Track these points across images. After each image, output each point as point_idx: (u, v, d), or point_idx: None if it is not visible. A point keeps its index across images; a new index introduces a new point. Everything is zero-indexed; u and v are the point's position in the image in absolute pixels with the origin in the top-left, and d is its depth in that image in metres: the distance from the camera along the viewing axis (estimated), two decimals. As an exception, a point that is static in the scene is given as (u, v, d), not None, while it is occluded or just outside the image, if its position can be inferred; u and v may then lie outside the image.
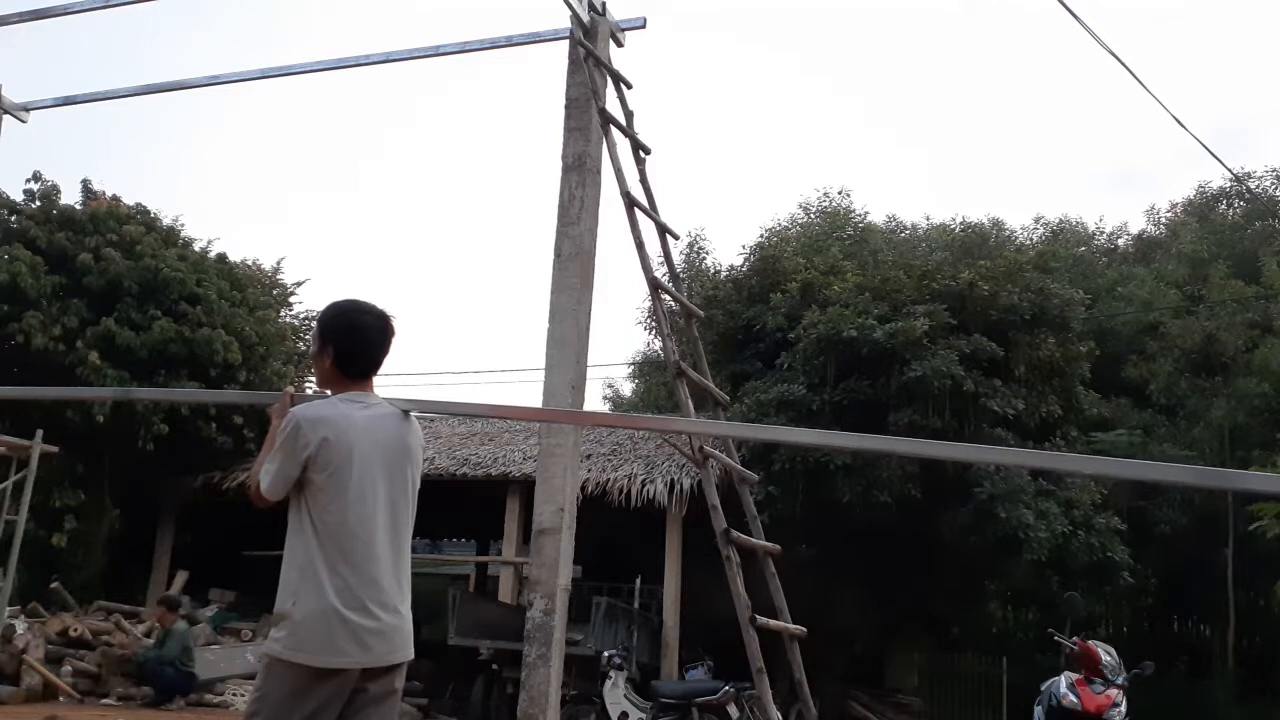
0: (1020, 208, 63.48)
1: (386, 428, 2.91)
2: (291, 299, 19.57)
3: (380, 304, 3.07)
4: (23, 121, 7.02)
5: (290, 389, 3.30)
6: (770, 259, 15.48)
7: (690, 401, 5.01)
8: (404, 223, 56.29)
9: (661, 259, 5.73)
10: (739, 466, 5.14)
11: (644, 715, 9.56)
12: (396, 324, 3.08)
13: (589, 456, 13.18)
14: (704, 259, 19.72)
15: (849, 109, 59.50)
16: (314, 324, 3.19)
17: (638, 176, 5.60)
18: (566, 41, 5.58)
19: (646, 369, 24.88)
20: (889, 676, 14.80)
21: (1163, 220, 24.13)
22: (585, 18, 5.54)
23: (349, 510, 2.76)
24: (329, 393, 3.03)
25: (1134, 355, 17.36)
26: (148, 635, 11.19)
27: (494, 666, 10.79)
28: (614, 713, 9.80)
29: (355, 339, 2.98)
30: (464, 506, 14.87)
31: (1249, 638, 17.03)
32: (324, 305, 3.07)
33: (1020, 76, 55.07)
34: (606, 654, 10.14)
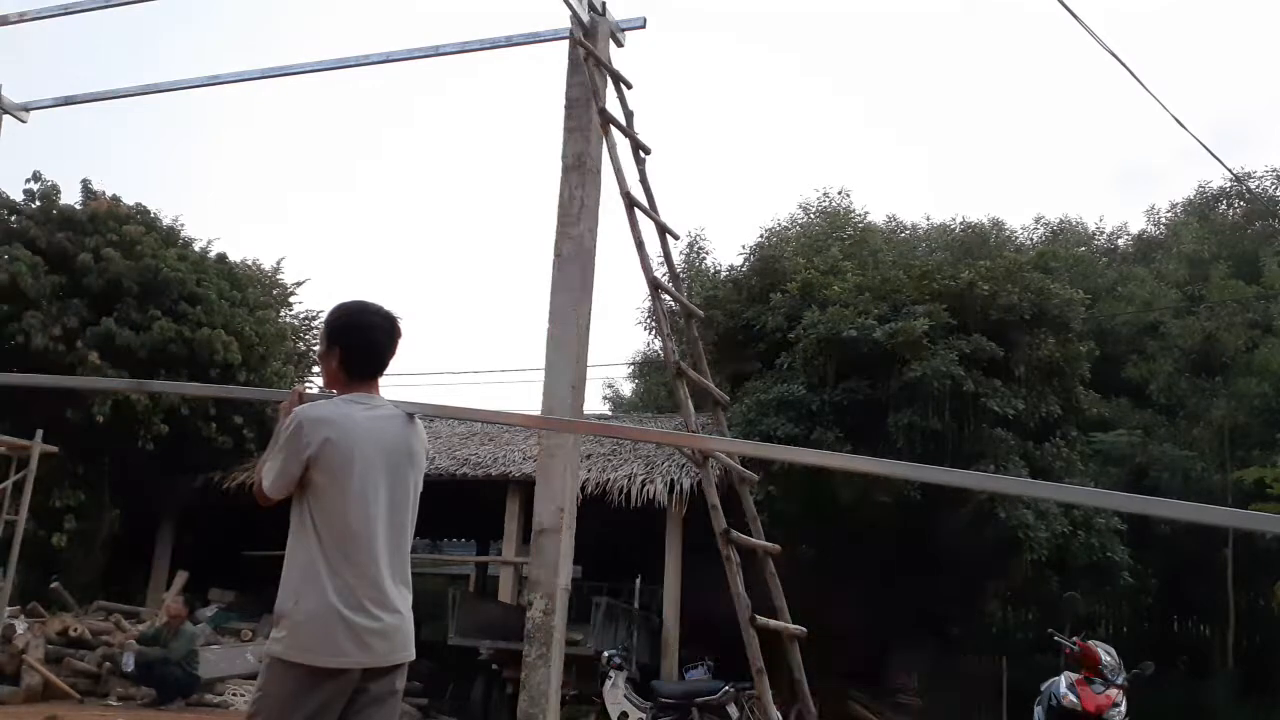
0: (1020, 208, 63.55)
1: (390, 429, 2.92)
2: (291, 299, 19.55)
3: (386, 305, 3.08)
4: (23, 121, 7.01)
5: (299, 387, 3.31)
6: (770, 259, 15.47)
7: (690, 401, 5.00)
8: (404, 223, 56.33)
9: (661, 259, 5.72)
10: (739, 466, 5.13)
11: (644, 715, 9.57)
12: (403, 326, 3.09)
13: (589, 456, 13.18)
14: (704, 259, 19.71)
15: (849, 109, 59.56)
16: (322, 324, 3.20)
17: (638, 176, 5.59)
18: (566, 41, 5.57)
19: (646, 369, 24.91)
20: (889, 676, 14.79)
21: (1163, 220, 24.15)
22: (585, 18, 5.54)
23: (350, 511, 2.76)
24: (334, 392, 3.04)
25: (1134, 355, 17.36)
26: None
27: (494, 666, 10.80)
28: (614, 713, 9.81)
29: (362, 340, 2.99)
30: (464, 506, 14.87)
31: (1249, 638, 17.03)
32: (332, 306, 3.08)
33: (1020, 76, 55.13)
34: (606, 654, 10.15)
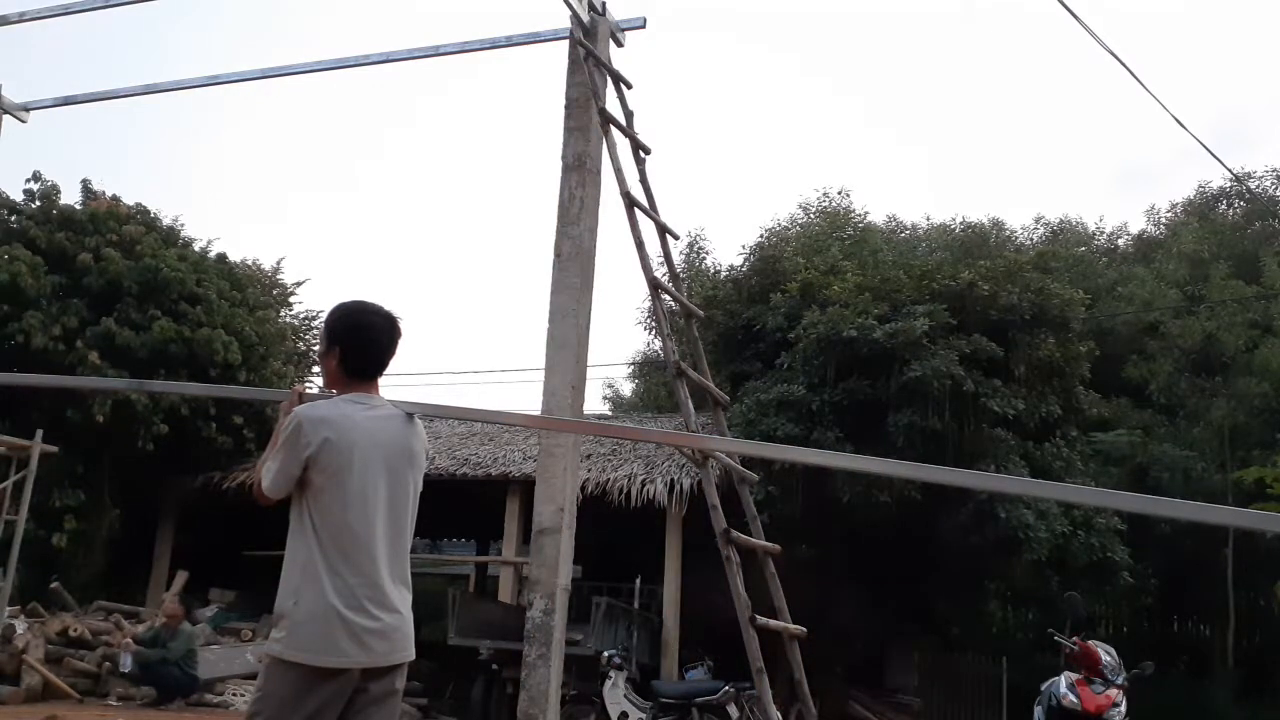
0: (1020, 208, 63.50)
1: (389, 429, 2.92)
2: (291, 299, 19.59)
3: (387, 305, 3.08)
4: (23, 121, 7.02)
5: (299, 387, 3.31)
6: (770, 259, 15.47)
7: (690, 401, 5.00)
8: (404, 223, 56.31)
9: (661, 259, 5.72)
10: (739, 466, 5.13)
11: (644, 715, 9.56)
12: (403, 326, 3.09)
13: (589, 456, 13.18)
14: (704, 259, 19.73)
15: (849, 109, 59.54)
16: (322, 324, 3.21)
17: (638, 176, 5.59)
18: (566, 41, 5.58)
19: (646, 369, 24.91)
20: (889, 676, 14.80)
21: (1163, 220, 24.13)
22: (585, 18, 5.54)
23: (349, 511, 2.77)
24: (334, 392, 3.04)
25: (1134, 355, 17.36)
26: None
27: (494, 666, 10.78)
28: (614, 713, 9.80)
29: (362, 339, 2.99)
30: (464, 506, 14.87)
31: (1249, 638, 17.05)
32: (333, 306, 3.09)
33: (1020, 76, 55.12)
34: (606, 654, 10.13)
